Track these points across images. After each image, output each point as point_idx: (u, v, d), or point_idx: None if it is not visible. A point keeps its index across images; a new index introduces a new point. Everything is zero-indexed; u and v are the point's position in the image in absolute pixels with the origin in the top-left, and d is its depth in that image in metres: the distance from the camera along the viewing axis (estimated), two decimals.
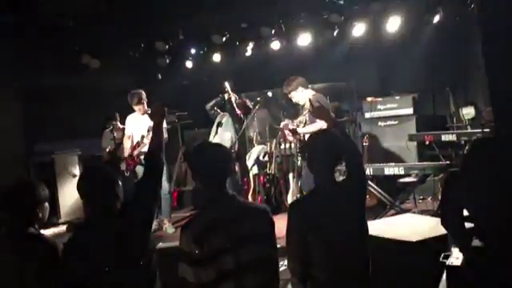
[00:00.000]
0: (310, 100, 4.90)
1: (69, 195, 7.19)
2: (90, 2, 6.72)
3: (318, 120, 4.77)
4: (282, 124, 5.80)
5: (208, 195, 2.55)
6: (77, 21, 7.03)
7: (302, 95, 5.45)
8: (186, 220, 2.70)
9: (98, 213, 2.58)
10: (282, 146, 6.97)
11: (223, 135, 6.36)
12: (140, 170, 6.06)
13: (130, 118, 6.36)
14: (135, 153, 6.15)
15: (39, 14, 6.54)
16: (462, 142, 5.77)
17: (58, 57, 7.33)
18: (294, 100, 5.56)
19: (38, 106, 7.50)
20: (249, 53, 8.20)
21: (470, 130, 6.51)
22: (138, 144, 6.15)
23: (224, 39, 7.91)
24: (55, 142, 7.54)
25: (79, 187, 2.62)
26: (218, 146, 2.89)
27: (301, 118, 5.61)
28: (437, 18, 6.91)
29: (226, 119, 6.44)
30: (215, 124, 6.51)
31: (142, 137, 6.07)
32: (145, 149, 6.00)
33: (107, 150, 6.95)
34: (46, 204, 2.75)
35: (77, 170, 7.45)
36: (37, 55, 7.04)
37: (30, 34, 6.72)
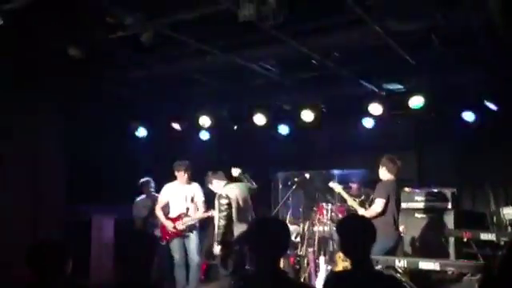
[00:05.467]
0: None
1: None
2: None
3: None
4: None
5: (262, 268, 2.54)
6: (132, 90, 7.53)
7: (382, 173, 5.64)
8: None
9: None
10: (316, 228, 6.92)
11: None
12: (176, 242, 6.12)
13: (167, 187, 6.45)
14: (179, 225, 6.15)
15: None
16: (502, 243, 5.59)
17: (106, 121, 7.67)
18: None
19: (80, 166, 7.76)
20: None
21: (510, 231, 6.32)
22: (182, 216, 6.21)
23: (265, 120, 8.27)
24: (94, 204, 7.71)
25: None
26: (281, 221, 2.95)
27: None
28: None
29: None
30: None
31: (187, 209, 6.19)
32: (188, 220, 6.13)
33: (141, 217, 7.10)
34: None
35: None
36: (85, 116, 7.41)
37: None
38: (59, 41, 5.20)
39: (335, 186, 6.15)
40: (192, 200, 6.25)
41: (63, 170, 7.23)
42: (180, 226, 6.13)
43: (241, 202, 5.83)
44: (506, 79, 6.48)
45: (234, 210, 5.74)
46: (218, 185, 5.94)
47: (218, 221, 5.62)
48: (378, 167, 5.64)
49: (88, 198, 7.74)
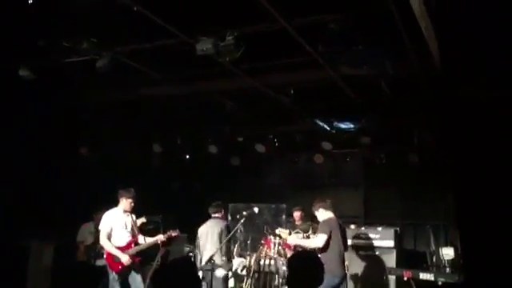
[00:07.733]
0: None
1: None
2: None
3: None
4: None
5: None
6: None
7: (320, 215, 5.72)
8: None
9: None
10: (262, 262, 6.92)
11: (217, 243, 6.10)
12: (123, 273, 5.89)
13: (111, 214, 6.03)
14: (131, 251, 5.82)
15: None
16: (439, 283, 5.77)
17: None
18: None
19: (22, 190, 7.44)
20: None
21: (448, 272, 6.55)
22: (132, 244, 5.89)
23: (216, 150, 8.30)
24: (33, 229, 7.38)
25: None
26: (187, 259, 2.93)
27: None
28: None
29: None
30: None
31: (134, 237, 6.01)
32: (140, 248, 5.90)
33: (85, 243, 6.86)
34: None
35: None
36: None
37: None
38: (10, 61, 5.07)
39: (282, 233, 6.25)
40: (132, 229, 6.08)
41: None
42: (134, 253, 5.87)
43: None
44: (447, 124, 6.83)
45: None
46: None
47: None
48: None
49: (28, 223, 7.42)
